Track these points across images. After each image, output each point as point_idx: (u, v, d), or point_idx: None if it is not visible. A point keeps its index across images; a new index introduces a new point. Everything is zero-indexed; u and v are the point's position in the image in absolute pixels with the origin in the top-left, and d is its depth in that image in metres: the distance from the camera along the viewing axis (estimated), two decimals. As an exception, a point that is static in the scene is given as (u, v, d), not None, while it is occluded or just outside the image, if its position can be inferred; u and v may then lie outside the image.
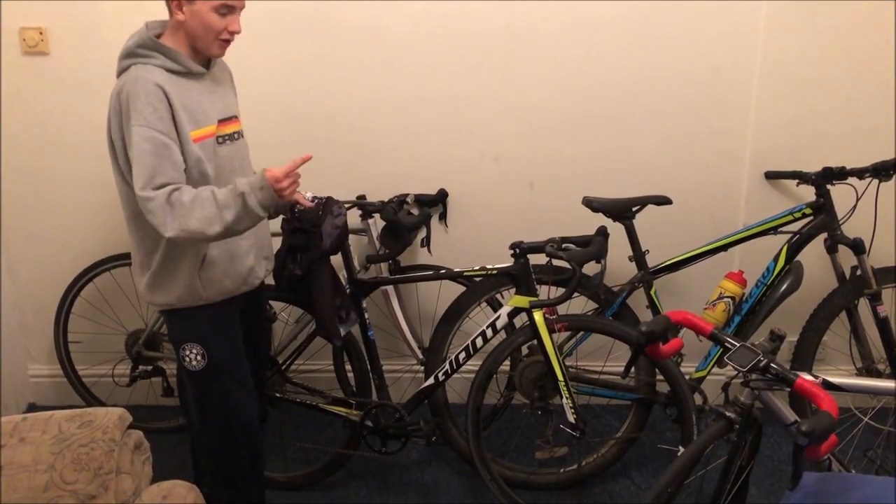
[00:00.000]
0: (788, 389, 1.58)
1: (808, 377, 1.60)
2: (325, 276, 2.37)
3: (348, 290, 2.64)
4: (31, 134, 2.89)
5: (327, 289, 2.38)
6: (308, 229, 2.28)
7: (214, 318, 2.14)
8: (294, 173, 1.93)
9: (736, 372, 1.63)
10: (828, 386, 1.64)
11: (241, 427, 2.25)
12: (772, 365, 1.59)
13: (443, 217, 2.98)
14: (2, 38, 2.77)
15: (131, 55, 1.97)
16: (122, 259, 2.87)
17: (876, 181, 2.55)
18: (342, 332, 2.46)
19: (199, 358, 2.12)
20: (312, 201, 2.31)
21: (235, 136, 2.15)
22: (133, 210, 2.01)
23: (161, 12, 2.02)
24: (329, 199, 2.32)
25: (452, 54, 2.81)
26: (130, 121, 1.89)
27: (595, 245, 2.35)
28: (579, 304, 2.79)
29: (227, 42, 2.05)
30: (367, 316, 2.63)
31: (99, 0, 2.73)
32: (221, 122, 2.08)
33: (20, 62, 2.80)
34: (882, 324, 2.59)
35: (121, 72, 1.99)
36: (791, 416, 1.74)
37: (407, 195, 2.87)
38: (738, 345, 1.65)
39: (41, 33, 2.76)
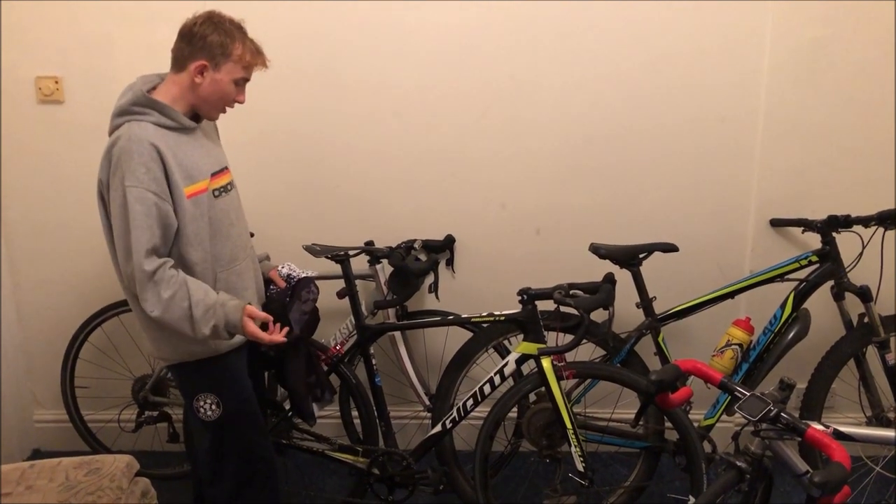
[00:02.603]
0: (799, 439, 1.57)
1: (819, 427, 1.59)
2: (297, 360, 2.33)
3: (355, 337, 2.65)
4: (44, 181, 2.93)
5: (300, 371, 2.34)
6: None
7: (227, 366, 2.13)
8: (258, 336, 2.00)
9: (746, 421, 1.62)
10: (839, 436, 1.63)
11: (263, 468, 2.25)
12: (782, 415, 1.58)
13: (450, 263, 3.00)
14: (15, 86, 2.83)
15: (125, 113, 1.94)
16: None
17: (881, 229, 2.57)
18: (317, 410, 2.42)
19: (213, 407, 2.11)
20: (287, 278, 2.32)
21: (228, 187, 2.14)
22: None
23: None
24: (300, 281, 2.31)
25: (459, 103, 2.86)
26: (124, 180, 1.86)
27: (603, 292, 2.35)
28: (587, 351, 2.78)
29: (226, 110, 2.10)
30: (374, 362, 2.63)
31: (113, 50, 2.80)
32: (214, 175, 2.07)
33: (35, 111, 2.85)
34: (891, 372, 2.58)
35: (113, 129, 1.96)
36: (802, 466, 1.72)
37: (415, 241, 2.89)
38: (748, 394, 1.65)
39: (56, 82, 2.82)
